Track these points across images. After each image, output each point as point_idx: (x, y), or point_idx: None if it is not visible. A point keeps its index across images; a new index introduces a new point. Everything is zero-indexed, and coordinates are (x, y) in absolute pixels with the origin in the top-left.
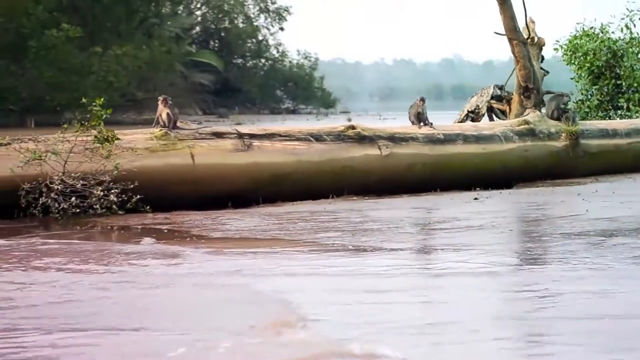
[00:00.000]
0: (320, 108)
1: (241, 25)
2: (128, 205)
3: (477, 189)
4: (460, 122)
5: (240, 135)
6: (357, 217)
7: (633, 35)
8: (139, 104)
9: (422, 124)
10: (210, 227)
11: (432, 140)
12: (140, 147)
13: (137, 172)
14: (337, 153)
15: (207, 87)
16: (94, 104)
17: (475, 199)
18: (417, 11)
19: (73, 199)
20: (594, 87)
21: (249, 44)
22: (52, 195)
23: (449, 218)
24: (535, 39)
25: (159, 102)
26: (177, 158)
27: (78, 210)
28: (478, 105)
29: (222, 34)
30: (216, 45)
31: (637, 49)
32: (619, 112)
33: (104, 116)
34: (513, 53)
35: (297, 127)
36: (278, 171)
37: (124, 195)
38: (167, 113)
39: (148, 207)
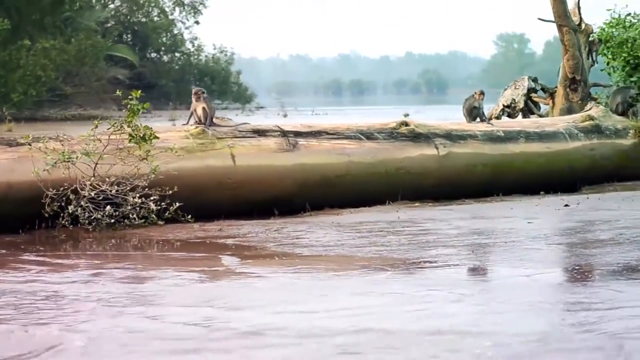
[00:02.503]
0: (237, 103)
1: (156, 19)
2: (167, 214)
3: (542, 192)
4: (496, 117)
5: (284, 134)
6: (448, 227)
7: None
8: (65, 98)
9: (478, 119)
10: (283, 241)
11: (491, 138)
12: (176, 147)
13: (173, 175)
14: (390, 153)
15: (122, 82)
16: (130, 97)
17: (566, 205)
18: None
19: (108, 207)
20: (632, 80)
21: (163, 38)
22: (83, 203)
23: (564, 229)
24: (583, 25)
25: (193, 96)
26: (216, 159)
27: (112, 221)
28: (514, 99)
29: (136, 28)
30: (130, 39)
31: None
32: None
33: (141, 111)
34: (562, 41)
35: (345, 123)
36: (327, 173)
37: (162, 203)
38: (203, 107)
39: (190, 217)
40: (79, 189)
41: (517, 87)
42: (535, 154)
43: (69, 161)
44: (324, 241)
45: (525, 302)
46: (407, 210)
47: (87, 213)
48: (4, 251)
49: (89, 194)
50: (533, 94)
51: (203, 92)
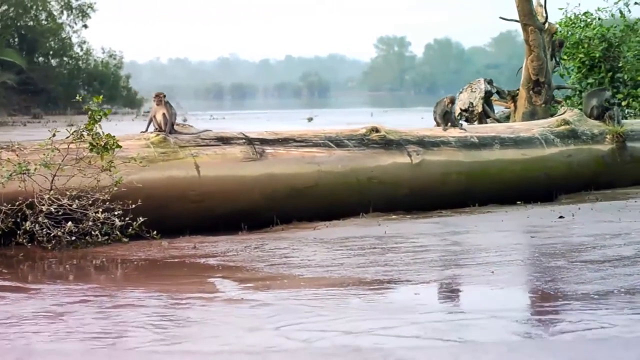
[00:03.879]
0: (127, 108)
1: (44, 22)
2: (130, 230)
3: (518, 202)
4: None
5: (250, 141)
6: (446, 244)
7: (626, 22)
8: None
9: (449, 124)
10: (272, 261)
11: (466, 144)
12: (133, 156)
13: (136, 187)
14: (362, 161)
15: (10, 87)
16: (90, 102)
17: (561, 217)
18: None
19: (69, 223)
20: (588, 81)
21: (52, 42)
22: (40, 218)
23: (577, 245)
24: (546, 25)
25: (153, 100)
26: (179, 170)
27: (73, 238)
28: (472, 103)
29: (23, 32)
30: (17, 43)
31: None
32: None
33: (102, 118)
34: (526, 41)
35: (312, 130)
36: (296, 184)
37: (125, 218)
38: (163, 113)
39: (155, 232)
40: (36, 203)
41: (473, 90)
42: (511, 161)
43: (25, 173)
44: (318, 260)
45: None
46: (388, 224)
47: (45, 230)
48: None
49: (48, 208)
50: (494, 98)
51: (164, 96)
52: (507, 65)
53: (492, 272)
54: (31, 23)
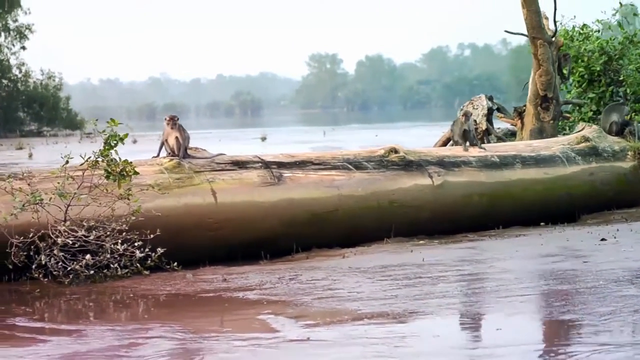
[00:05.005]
0: (68, 130)
1: None
2: (149, 261)
3: (542, 223)
4: (456, 141)
5: (267, 165)
6: (496, 271)
7: (626, 34)
8: None
9: (467, 143)
10: (317, 293)
11: (486, 164)
12: (149, 183)
13: (150, 216)
14: (382, 184)
15: None
16: (108, 127)
17: (603, 240)
18: (121, 29)
19: (88, 256)
20: (589, 96)
21: None
22: (55, 251)
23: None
24: (554, 38)
25: (165, 123)
26: (196, 196)
27: (92, 272)
28: (475, 120)
29: None
30: None
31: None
32: None
33: (117, 144)
34: (534, 55)
35: (329, 152)
36: (316, 209)
37: (146, 249)
38: (176, 137)
39: (175, 264)
40: (51, 235)
41: (475, 106)
42: (533, 180)
43: (38, 203)
44: (367, 292)
45: None
46: (420, 250)
47: (60, 263)
48: None
49: (64, 241)
50: (500, 114)
51: (178, 119)
52: (438, 81)
53: (565, 302)
54: None
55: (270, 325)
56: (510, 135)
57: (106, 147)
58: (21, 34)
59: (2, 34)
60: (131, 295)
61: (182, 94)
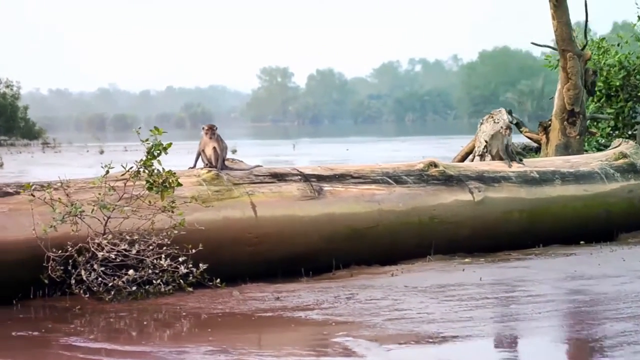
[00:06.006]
0: (25, 139)
1: None
2: (191, 277)
3: (581, 242)
4: (480, 155)
5: (306, 178)
6: (565, 293)
7: None
8: None
9: (509, 160)
10: (384, 314)
11: (526, 180)
12: (188, 195)
13: (190, 230)
14: (423, 199)
15: None
16: (152, 135)
17: None
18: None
19: (131, 271)
20: (609, 112)
21: None
22: (96, 266)
23: None
24: (584, 51)
25: (203, 133)
26: (235, 209)
27: (134, 288)
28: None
29: None
30: None
31: None
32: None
33: (160, 154)
34: (563, 68)
35: (367, 165)
36: (357, 225)
37: (190, 265)
38: (214, 147)
39: (218, 280)
40: (92, 249)
41: (496, 120)
42: (573, 197)
43: (77, 215)
44: (437, 314)
45: None
46: (471, 268)
47: (99, 279)
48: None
49: (107, 255)
50: (524, 129)
51: (216, 129)
52: (389, 96)
53: None
54: None
55: (352, 349)
56: (528, 150)
57: (149, 157)
58: None
59: None
60: (183, 314)
61: (132, 105)
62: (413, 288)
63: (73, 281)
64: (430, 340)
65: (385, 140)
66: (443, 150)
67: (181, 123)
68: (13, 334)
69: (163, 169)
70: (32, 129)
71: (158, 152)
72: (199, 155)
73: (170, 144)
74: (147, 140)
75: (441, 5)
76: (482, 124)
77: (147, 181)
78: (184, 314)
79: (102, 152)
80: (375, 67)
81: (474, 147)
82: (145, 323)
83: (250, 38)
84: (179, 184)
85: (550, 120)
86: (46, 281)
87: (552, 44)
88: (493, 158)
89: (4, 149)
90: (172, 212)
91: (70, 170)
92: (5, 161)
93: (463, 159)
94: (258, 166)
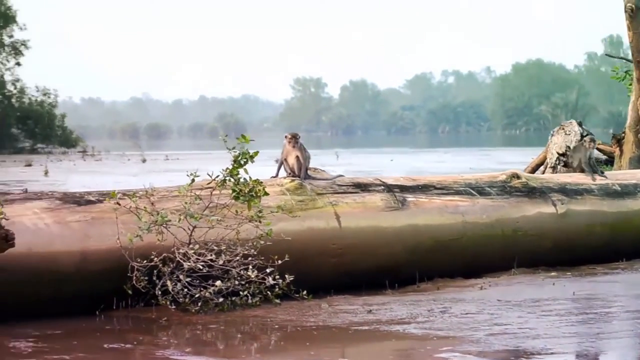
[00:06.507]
0: (63, 147)
1: None
2: (277, 289)
3: None
4: (552, 167)
5: (389, 188)
6: None
7: None
8: None
9: (592, 172)
10: (487, 330)
11: (608, 193)
12: (272, 205)
13: (276, 240)
14: (506, 211)
15: None
16: (238, 143)
17: None
18: (102, 49)
19: (219, 282)
20: None
21: None
22: (182, 276)
23: None
24: None
25: (287, 141)
26: (319, 220)
27: (221, 299)
28: (568, 147)
29: None
30: None
31: None
32: None
33: (247, 162)
34: (638, 80)
35: (450, 176)
36: (441, 236)
37: (276, 276)
38: (297, 156)
39: (304, 292)
40: (178, 259)
41: (567, 132)
42: None
43: (163, 224)
44: (540, 329)
45: None
46: (560, 282)
47: (185, 289)
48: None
49: (195, 265)
50: (599, 142)
51: (299, 137)
52: (422, 107)
53: None
54: None
55: None
56: (597, 162)
57: (235, 166)
58: (16, 49)
59: None
60: (275, 326)
61: (164, 114)
62: (507, 302)
63: (159, 292)
64: (540, 356)
65: (425, 152)
66: (487, 162)
67: (214, 133)
68: (105, 346)
69: (250, 177)
70: (69, 137)
71: (245, 160)
72: (281, 164)
73: (257, 152)
74: (233, 148)
75: (474, 18)
76: (553, 135)
77: (234, 190)
78: (276, 326)
79: (144, 161)
80: (408, 79)
81: (544, 158)
82: (239, 336)
83: (283, 49)
84: (266, 194)
85: (624, 132)
86: (130, 292)
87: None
88: (574, 170)
89: (42, 156)
90: (260, 222)
91: (116, 179)
92: (50, 169)
93: (533, 171)
94: (340, 176)
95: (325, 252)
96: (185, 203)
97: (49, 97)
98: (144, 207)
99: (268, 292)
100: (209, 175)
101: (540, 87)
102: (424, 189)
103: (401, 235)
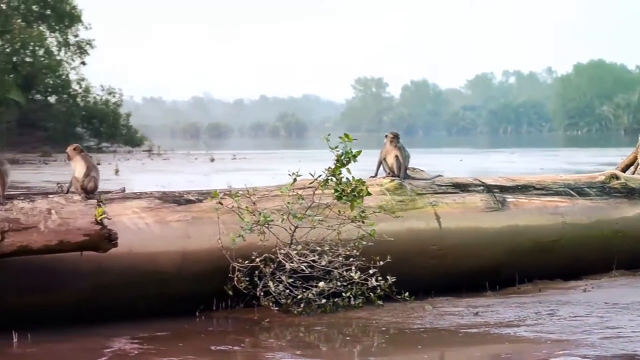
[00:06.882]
0: (128, 146)
1: (42, 59)
2: (378, 290)
3: None
4: None
5: (489, 188)
6: None
7: None
8: None
9: None
10: (598, 333)
11: None
12: (372, 205)
13: (377, 240)
14: (606, 212)
15: (10, 123)
16: (341, 142)
17: None
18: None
19: (322, 283)
20: None
21: (49, 79)
22: (284, 277)
23: None
24: None
25: (388, 141)
26: (419, 220)
27: (323, 301)
28: None
29: (19, 68)
30: (17, 79)
31: None
32: None
33: (350, 161)
34: None
35: (549, 176)
36: (541, 238)
37: (379, 277)
38: (396, 156)
39: (406, 294)
40: (279, 260)
41: None
42: None
43: (265, 225)
44: None
45: None
46: None
47: (287, 290)
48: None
49: (298, 266)
50: None
51: (399, 137)
52: (483, 107)
53: None
54: (28, 59)
55: None
56: None
57: (337, 165)
58: (81, 49)
59: (63, 49)
60: (382, 328)
61: (225, 114)
62: (614, 305)
63: (261, 293)
64: None
65: (491, 152)
66: (557, 162)
67: (275, 132)
68: (212, 347)
69: (353, 177)
70: (134, 136)
71: (347, 160)
72: (380, 163)
73: (360, 151)
74: (336, 147)
75: (534, 19)
76: None
77: (336, 190)
78: (382, 328)
79: (212, 160)
80: (469, 79)
81: (634, 159)
82: (348, 338)
83: (343, 48)
84: (369, 194)
85: None
86: (230, 292)
87: None
88: None
89: (108, 155)
90: (363, 222)
91: (187, 178)
92: (119, 168)
93: (623, 172)
94: (439, 175)
95: (426, 252)
96: (288, 203)
97: (113, 96)
98: (246, 207)
99: (370, 293)
100: (311, 174)
101: (602, 87)
102: (523, 189)
103: (501, 236)
